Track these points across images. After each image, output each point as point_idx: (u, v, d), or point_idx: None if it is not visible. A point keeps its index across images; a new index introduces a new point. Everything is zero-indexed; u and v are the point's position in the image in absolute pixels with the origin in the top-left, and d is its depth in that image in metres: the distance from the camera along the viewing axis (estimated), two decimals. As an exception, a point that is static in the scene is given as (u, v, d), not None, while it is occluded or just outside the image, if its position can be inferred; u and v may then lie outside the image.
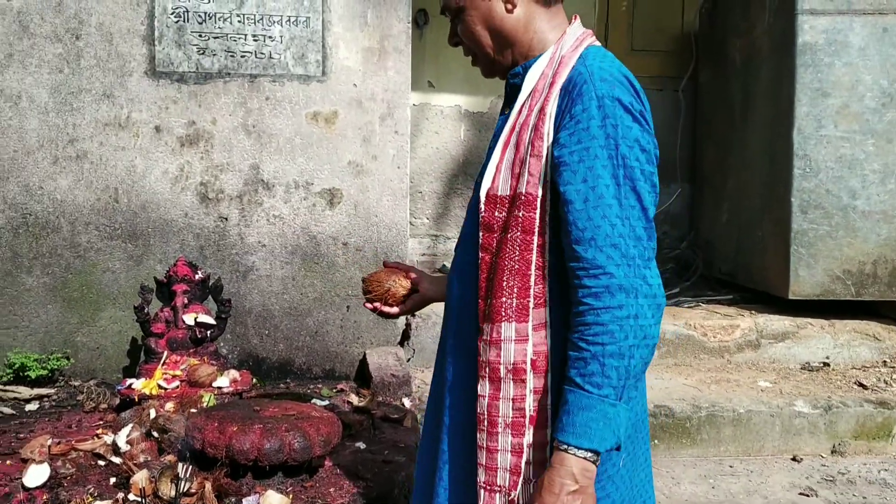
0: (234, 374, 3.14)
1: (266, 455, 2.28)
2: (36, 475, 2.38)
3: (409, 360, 3.85)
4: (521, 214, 1.34)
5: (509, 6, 1.42)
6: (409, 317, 3.87)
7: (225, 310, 3.38)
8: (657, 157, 1.34)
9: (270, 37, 3.60)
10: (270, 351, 3.76)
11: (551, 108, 1.33)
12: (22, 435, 2.85)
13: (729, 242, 4.97)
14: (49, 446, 2.58)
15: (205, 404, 2.87)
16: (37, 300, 3.56)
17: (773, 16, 4.37)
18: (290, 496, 2.34)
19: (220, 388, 3.03)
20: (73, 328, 3.60)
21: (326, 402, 3.30)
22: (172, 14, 3.52)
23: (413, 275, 1.77)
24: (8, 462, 2.56)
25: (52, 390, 3.46)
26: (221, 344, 3.60)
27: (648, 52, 5.71)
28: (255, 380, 3.59)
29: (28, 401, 3.35)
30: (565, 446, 1.24)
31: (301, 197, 3.71)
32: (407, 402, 3.34)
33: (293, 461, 2.33)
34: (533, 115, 1.36)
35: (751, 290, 4.74)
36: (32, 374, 3.45)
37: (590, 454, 1.24)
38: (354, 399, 3.36)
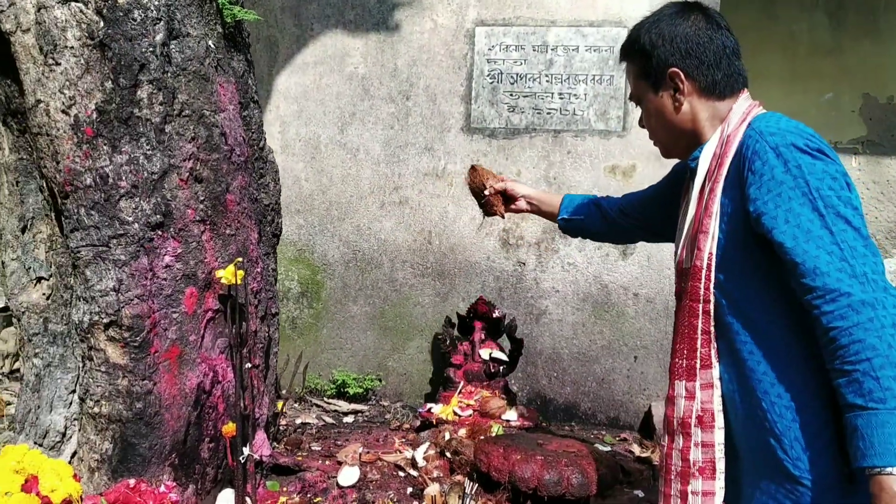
0: (521, 409, 3.33)
1: (545, 485, 2.41)
2: (348, 476, 2.74)
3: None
4: (689, 285, 1.48)
5: (677, 104, 1.54)
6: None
7: (517, 348, 3.60)
8: (850, 184, 1.35)
9: (575, 95, 3.81)
10: (557, 393, 3.89)
11: (720, 187, 1.43)
12: (339, 442, 3.28)
13: None
14: (360, 454, 2.95)
15: (493, 434, 3.07)
16: (358, 326, 4.06)
17: None
18: (566, 530, 2.43)
19: (507, 420, 3.22)
20: (385, 354, 4.04)
21: (608, 449, 3.36)
22: (488, 76, 3.88)
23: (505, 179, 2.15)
24: (327, 462, 2.96)
25: (366, 407, 3.91)
26: (512, 381, 3.82)
27: None
28: (541, 418, 3.76)
29: (346, 414, 3.83)
30: (877, 470, 1.21)
31: (595, 246, 3.83)
32: (690, 459, 3.27)
33: (570, 496, 2.42)
34: (705, 194, 1.47)
35: None
36: (351, 391, 3.93)
37: None
38: (637, 449, 3.37)
